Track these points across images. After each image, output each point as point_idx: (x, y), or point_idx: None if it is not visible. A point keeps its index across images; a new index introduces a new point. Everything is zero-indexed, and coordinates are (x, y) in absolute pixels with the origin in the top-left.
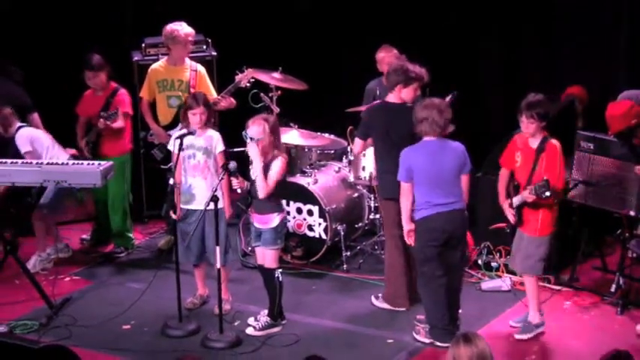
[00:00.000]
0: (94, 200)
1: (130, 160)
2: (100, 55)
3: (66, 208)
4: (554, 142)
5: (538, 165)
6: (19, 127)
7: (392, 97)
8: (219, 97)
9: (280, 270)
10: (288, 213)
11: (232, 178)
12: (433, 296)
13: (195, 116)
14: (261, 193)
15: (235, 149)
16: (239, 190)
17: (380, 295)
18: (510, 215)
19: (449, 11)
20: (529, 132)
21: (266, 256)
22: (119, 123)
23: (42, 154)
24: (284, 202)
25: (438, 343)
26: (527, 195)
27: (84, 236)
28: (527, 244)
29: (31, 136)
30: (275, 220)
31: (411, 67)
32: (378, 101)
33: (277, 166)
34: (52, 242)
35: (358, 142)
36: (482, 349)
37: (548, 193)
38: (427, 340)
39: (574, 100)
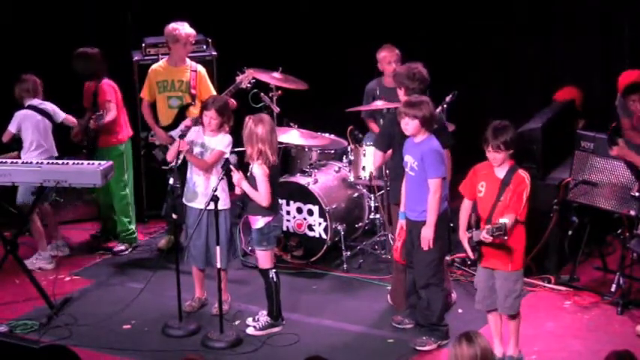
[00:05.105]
0: (96, 199)
1: (128, 149)
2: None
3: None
4: (523, 172)
5: (502, 197)
6: (29, 105)
7: None
8: None
9: (274, 270)
10: (288, 213)
11: (231, 173)
12: (444, 297)
13: (206, 117)
14: (263, 204)
15: (236, 149)
16: (237, 190)
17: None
18: (469, 251)
19: (448, 12)
20: (496, 163)
21: (257, 256)
22: (111, 114)
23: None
24: (284, 201)
25: (444, 342)
26: (484, 235)
27: (95, 233)
28: (502, 282)
29: (21, 119)
30: (259, 222)
31: (419, 68)
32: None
33: (259, 175)
34: (52, 241)
35: (378, 155)
36: (484, 348)
37: (505, 237)
38: (435, 346)
39: (573, 101)
